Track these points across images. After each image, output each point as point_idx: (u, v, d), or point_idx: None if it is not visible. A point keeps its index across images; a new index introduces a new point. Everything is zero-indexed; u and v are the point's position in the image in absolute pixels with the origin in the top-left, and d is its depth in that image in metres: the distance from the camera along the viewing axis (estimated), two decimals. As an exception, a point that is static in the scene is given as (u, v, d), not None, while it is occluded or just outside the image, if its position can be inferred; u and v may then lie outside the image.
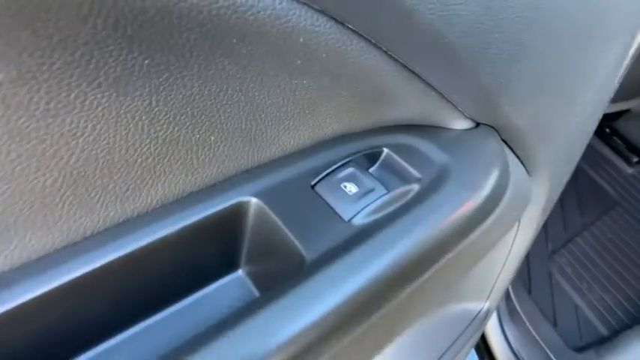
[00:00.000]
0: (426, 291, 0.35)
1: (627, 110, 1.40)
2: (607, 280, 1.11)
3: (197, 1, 0.21)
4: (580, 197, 1.29)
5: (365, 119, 0.35)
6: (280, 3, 0.23)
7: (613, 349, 0.94)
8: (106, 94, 0.23)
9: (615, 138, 1.44)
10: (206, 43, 0.23)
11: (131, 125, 0.25)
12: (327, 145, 0.35)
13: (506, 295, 1.04)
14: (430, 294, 0.37)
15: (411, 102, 0.34)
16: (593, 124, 0.56)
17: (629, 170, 1.36)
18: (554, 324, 1.02)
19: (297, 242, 0.29)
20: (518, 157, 0.46)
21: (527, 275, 1.11)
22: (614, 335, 0.97)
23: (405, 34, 0.27)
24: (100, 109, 0.23)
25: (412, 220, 0.31)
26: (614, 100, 1.21)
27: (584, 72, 0.42)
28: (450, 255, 0.34)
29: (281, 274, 0.31)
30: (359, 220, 0.31)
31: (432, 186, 0.33)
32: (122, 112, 0.24)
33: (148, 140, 0.26)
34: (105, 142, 0.25)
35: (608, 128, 1.46)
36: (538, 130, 0.44)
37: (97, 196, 0.27)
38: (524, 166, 0.47)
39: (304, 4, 0.24)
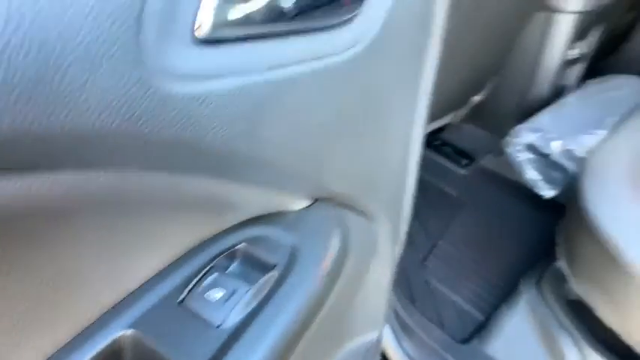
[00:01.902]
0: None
1: (448, 123, 1.64)
2: (472, 271, 1.28)
3: None
4: (431, 205, 1.47)
5: (216, 227, 0.39)
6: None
7: (490, 331, 1.08)
8: None
9: (446, 147, 1.67)
10: None
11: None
12: (187, 256, 0.39)
13: (395, 313, 1.14)
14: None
15: (253, 202, 0.39)
16: (416, 152, 0.66)
17: (462, 171, 1.59)
18: (442, 325, 1.14)
19: None
20: (357, 210, 0.54)
21: (408, 288, 1.23)
22: (487, 319, 1.12)
23: (210, 162, 0.32)
24: None
25: (275, 308, 0.35)
26: (435, 117, 1.43)
27: (390, 124, 0.50)
28: (316, 323, 0.39)
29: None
30: (229, 324, 0.35)
31: (287, 270, 0.39)
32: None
33: None
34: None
35: (438, 140, 1.70)
36: (365, 185, 0.52)
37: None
38: (365, 215, 0.55)
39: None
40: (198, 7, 0.25)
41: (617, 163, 0.84)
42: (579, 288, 0.84)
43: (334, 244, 0.42)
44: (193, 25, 0.25)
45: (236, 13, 0.27)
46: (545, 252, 1.11)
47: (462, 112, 1.58)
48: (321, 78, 0.35)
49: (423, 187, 1.54)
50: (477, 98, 1.51)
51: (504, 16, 1.19)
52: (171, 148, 0.27)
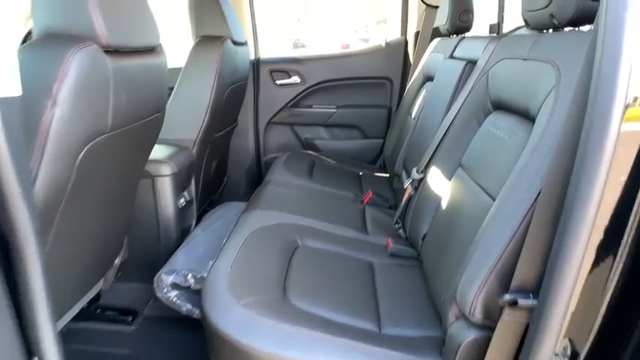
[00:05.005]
0: None
1: (101, 289, 1.72)
2: None
3: None
4: None
5: None
6: None
7: None
8: None
9: (108, 312, 1.74)
10: None
11: None
12: None
13: None
14: None
15: None
16: None
17: (131, 328, 1.68)
18: None
19: None
20: None
21: None
22: None
23: None
24: None
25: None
26: (88, 287, 1.49)
27: None
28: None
29: None
30: None
31: None
32: None
33: None
34: None
35: (97, 309, 1.74)
36: None
37: None
38: None
39: None
40: None
41: (223, 278, 1.15)
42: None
43: None
44: None
45: None
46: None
47: (111, 274, 1.69)
48: None
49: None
50: (118, 260, 1.66)
51: (121, 183, 1.41)
52: None
